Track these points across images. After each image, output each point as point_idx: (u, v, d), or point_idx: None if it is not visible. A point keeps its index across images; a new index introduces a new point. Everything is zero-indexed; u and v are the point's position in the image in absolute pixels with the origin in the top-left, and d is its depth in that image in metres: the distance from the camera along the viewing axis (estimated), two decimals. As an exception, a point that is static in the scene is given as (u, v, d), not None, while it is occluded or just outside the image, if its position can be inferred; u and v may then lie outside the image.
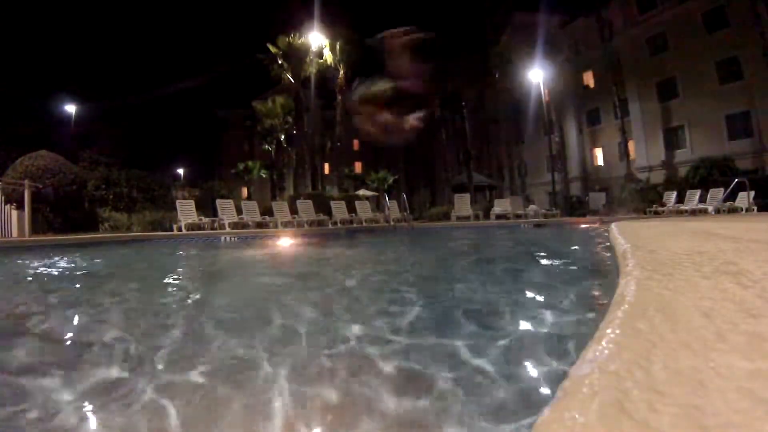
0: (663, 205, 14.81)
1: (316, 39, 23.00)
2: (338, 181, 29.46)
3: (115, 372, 1.20)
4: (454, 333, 1.42)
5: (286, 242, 7.27)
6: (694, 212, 12.98)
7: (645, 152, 25.00)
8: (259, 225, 11.45)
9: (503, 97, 34.02)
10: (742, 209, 12.31)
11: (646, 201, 16.90)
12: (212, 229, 10.48)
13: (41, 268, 3.95)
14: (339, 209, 13.71)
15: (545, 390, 0.98)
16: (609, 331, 0.72)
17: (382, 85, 2.93)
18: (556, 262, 3.70)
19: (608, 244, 2.87)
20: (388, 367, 1.13)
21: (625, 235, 2.70)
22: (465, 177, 25.67)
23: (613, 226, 3.99)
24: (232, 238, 8.15)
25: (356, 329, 1.51)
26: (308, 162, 26.96)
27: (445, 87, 28.42)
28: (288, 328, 1.62)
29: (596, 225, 8.06)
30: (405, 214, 13.12)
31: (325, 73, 24.64)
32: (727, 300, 0.88)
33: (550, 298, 1.99)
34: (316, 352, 1.32)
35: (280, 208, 12.96)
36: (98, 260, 4.74)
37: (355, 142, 40.82)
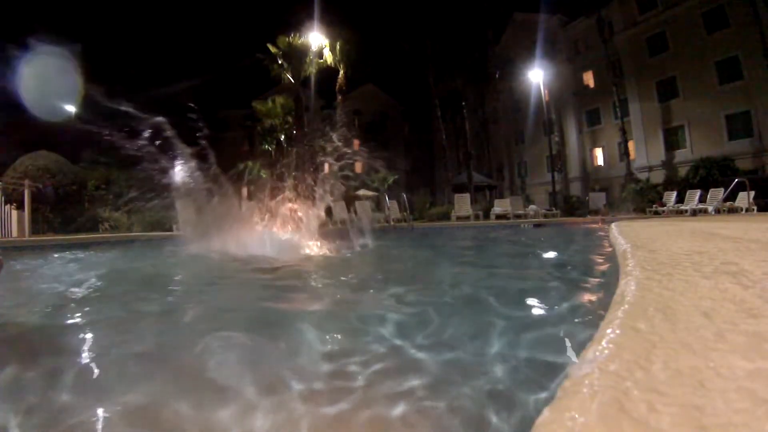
0: (663, 205, 14.82)
1: (316, 39, 22.99)
2: (338, 181, 29.41)
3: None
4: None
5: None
6: (694, 212, 12.97)
7: (645, 152, 25.00)
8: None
9: (503, 97, 34.07)
10: (742, 209, 12.31)
11: (646, 201, 16.90)
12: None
13: None
14: (339, 209, 13.70)
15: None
16: (609, 331, 0.72)
17: None
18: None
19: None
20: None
21: (625, 235, 2.70)
22: (465, 177, 25.66)
23: (613, 226, 4.00)
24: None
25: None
26: (308, 162, 26.96)
27: (445, 87, 28.44)
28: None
29: (598, 225, 8.07)
30: (405, 214, 13.12)
31: (326, 73, 24.63)
32: (727, 300, 0.88)
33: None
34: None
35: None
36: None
37: (355, 142, 40.82)
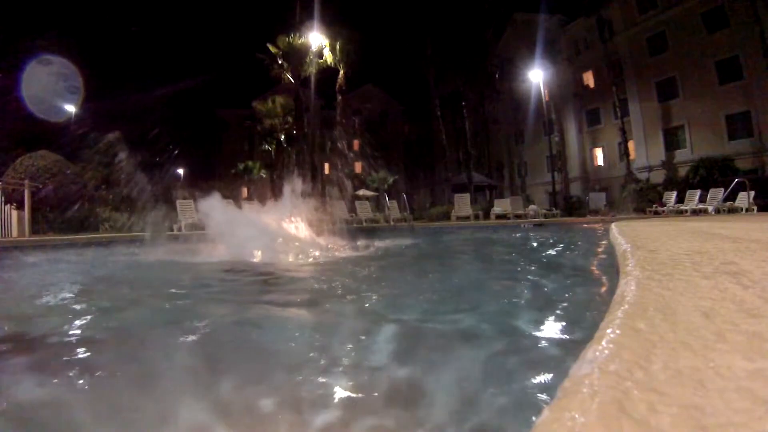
0: (663, 205, 14.82)
1: (316, 39, 22.99)
2: (338, 181, 29.49)
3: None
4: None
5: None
6: (694, 212, 12.98)
7: (645, 152, 25.00)
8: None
9: (503, 97, 34.07)
10: (742, 209, 12.32)
11: (646, 201, 16.91)
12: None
13: None
14: (339, 209, 13.70)
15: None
16: (609, 331, 0.71)
17: None
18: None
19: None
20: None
21: (625, 235, 2.70)
22: (465, 177, 25.66)
23: (613, 226, 3.99)
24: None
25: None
26: (308, 162, 26.98)
27: (445, 87, 28.44)
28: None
29: (599, 225, 8.06)
30: (405, 214, 13.13)
31: (326, 73, 24.65)
32: (727, 300, 0.88)
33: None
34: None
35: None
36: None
37: (355, 142, 40.91)
